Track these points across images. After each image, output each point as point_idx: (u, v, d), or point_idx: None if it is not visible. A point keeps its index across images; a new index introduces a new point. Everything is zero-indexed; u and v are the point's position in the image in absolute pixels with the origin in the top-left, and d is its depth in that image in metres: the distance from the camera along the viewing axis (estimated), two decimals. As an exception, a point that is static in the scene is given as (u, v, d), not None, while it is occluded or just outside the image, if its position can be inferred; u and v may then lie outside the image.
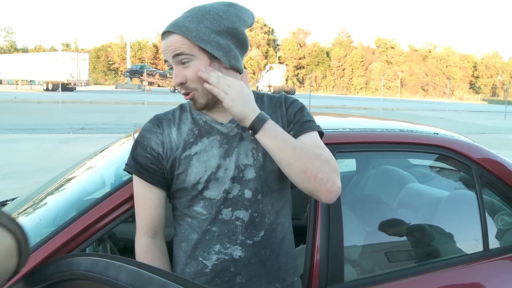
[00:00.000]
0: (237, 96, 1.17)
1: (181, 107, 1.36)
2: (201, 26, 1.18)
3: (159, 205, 1.29)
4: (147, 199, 1.28)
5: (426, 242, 2.05)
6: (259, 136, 1.17)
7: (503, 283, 1.86)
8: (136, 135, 2.19)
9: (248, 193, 1.24)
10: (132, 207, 1.51)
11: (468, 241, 1.98)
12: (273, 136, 1.17)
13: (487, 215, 1.94)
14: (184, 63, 1.20)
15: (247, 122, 1.17)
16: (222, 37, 1.21)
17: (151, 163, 1.26)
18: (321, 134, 1.31)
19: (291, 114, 1.31)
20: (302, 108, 1.34)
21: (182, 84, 1.23)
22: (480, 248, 1.88)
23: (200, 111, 1.29)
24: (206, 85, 1.18)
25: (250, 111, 1.17)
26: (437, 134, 2.01)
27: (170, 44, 1.19)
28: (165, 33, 1.20)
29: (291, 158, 1.15)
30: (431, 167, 2.77)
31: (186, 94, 1.25)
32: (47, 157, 8.61)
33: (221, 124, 1.28)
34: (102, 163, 2.22)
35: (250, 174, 1.24)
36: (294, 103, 1.35)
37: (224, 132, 1.27)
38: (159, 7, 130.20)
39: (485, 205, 1.97)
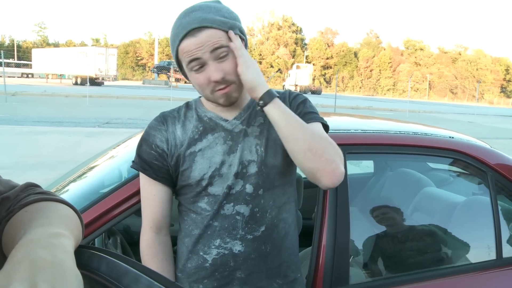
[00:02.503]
0: (252, 65, 1.20)
1: (187, 104, 1.38)
2: (224, 18, 1.19)
3: (164, 201, 1.31)
4: (152, 195, 1.30)
5: (438, 247, 2.02)
6: (269, 108, 1.18)
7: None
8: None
9: (249, 188, 1.25)
10: (140, 201, 1.54)
11: (481, 248, 1.95)
12: (282, 110, 1.18)
13: (502, 222, 1.90)
14: (222, 56, 1.19)
15: (259, 92, 1.19)
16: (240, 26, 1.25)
17: (155, 159, 1.28)
18: (325, 127, 1.31)
19: (294, 107, 1.32)
20: (305, 100, 1.35)
21: (221, 79, 1.20)
22: (493, 256, 1.85)
23: (225, 106, 1.29)
24: (231, 44, 1.19)
25: (262, 82, 1.20)
26: (453, 137, 1.98)
27: (207, 39, 1.16)
28: (193, 30, 1.17)
29: (298, 133, 1.16)
30: (449, 171, 2.72)
31: (222, 88, 1.22)
32: (72, 150, 8.79)
33: (226, 120, 1.29)
34: (118, 157, 2.27)
35: (253, 169, 1.25)
36: (297, 97, 1.37)
37: (229, 128, 1.28)
38: (188, 3, 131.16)
39: (501, 212, 1.94)
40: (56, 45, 73.68)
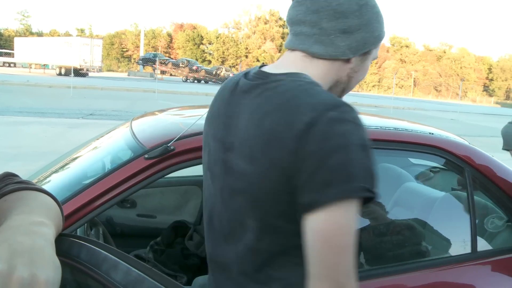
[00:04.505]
0: None
1: None
2: None
3: None
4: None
5: (417, 241, 2.06)
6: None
7: (487, 286, 1.88)
8: (135, 122, 2.24)
9: None
10: (123, 191, 1.55)
11: (458, 242, 1.99)
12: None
13: (478, 217, 1.95)
14: None
15: None
16: None
17: None
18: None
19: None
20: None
21: None
22: (468, 250, 1.90)
23: None
24: None
25: None
26: (433, 134, 2.02)
27: None
28: None
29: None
30: (431, 166, 2.77)
31: None
32: (55, 141, 8.70)
33: None
34: (101, 148, 2.26)
35: None
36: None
37: None
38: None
39: (478, 208, 1.98)
40: (39, 34, 72.56)
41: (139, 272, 0.52)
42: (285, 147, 0.86)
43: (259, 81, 1.00)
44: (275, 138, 0.88)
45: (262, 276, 0.98)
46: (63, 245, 0.61)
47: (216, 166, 1.04)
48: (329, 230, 0.84)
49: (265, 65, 1.08)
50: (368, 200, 0.86)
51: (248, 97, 0.99)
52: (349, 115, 0.87)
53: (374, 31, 1.03)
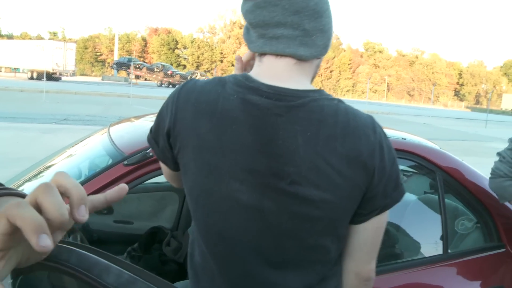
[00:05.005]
0: None
1: None
2: None
3: None
4: None
5: (390, 243, 2.12)
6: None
7: (458, 285, 1.95)
8: (113, 128, 2.24)
9: None
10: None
11: (430, 244, 2.06)
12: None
13: (449, 219, 2.02)
14: None
15: None
16: None
17: None
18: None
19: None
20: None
21: None
22: (440, 251, 1.96)
23: None
24: None
25: None
26: (405, 139, 2.08)
27: None
28: None
29: None
30: (403, 170, 2.84)
31: None
32: (28, 147, 8.54)
33: None
34: (77, 155, 2.25)
35: None
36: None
37: None
38: (149, 0, 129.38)
39: (449, 210, 2.06)
40: (9, 37, 70.98)
41: (131, 274, 0.54)
42: (364, 167, 0.95)
43: (289, 101, 0.97)
44: (354, 161, 0.95)
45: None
46: (52, 250, 0.63)
47: (263, 198, 0.97)
48: (385, 221, 1.06)
49: (248, 75, 1.03)
50: None
51: (289, 120, 0.96)
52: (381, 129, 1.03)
53: (332, 28, 1.08)
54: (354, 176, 0.95)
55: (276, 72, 1.01)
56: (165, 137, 1.07)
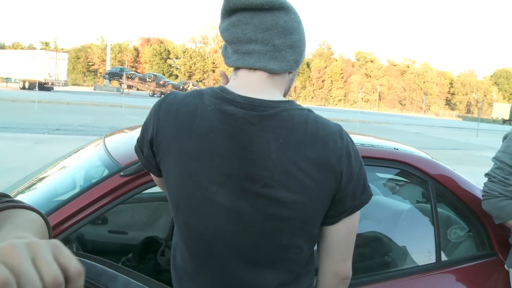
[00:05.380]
0: None
1: None
2: None
3: None
4: None
5: (384, 252, 2.14)
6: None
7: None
8: (108, 139, 2.25)
9: None
10: (99, 208, 1.57)
11: (423, 253, 2.08)
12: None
13: (441, 228, 2.04)
14: None
15: None
16: None
17: None
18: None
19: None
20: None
21: None
22: (433, 259, 1.99)
23: None
24: None
25: None
26: (397, 149, 2.11)
27: None
28: None
29: None
30: (395, 180, 2.87)
31: None
32: (20, 157, 8.50)
33: None
34: (72, 165, 2.26)
35: None
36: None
37: None
38: (141, 10, 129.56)
39: (441, 219, 2.08)
40: (1, 46, 70.70)
41: (138, 283, 0.55)
42: (333, 171, 1.04)
43: (262, 111, 1.05)
44: (323, 166, 1.03)
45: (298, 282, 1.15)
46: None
47: (240, 200, 1.05)
48: (356, 222, 1.13)
49: (225, 88, 1.10)
50: None
51: (262, 129, 1.04)
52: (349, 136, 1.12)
53: (305, 45, 1.16)
54: (323, 179, 1.04)
55: (250, 85, 1.10)
56: (149, 145, 1.15)
